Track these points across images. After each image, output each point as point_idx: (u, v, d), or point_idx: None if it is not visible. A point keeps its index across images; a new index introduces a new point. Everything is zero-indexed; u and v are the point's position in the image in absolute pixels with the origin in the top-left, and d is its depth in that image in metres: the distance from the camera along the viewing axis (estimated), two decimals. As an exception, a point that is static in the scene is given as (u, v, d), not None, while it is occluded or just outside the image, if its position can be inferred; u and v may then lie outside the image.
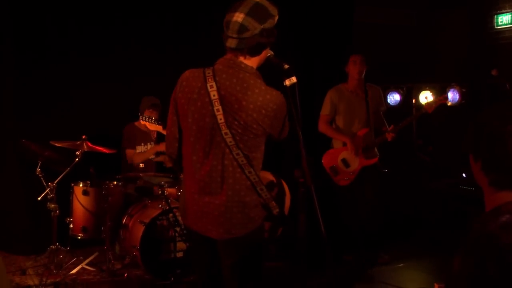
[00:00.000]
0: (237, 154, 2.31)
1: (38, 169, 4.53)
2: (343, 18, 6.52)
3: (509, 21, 7.68)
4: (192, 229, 2.52)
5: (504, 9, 7.74)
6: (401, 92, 6.67)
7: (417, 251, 5.33)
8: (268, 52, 2.45)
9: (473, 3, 8.02)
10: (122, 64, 5.54)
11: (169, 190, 4.66)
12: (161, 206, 4.47)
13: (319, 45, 6.33)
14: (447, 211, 6.38)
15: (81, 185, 4.76)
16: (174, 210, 4.34)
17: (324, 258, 2.49)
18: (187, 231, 2.67)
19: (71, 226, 4.71)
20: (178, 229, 4.33)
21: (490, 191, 1.38)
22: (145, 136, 5.26)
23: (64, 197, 4.76)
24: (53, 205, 4.54)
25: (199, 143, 2.38)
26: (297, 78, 2.42)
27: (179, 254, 4.40)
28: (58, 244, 4.61)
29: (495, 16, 7.84)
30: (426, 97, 6.30)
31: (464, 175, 6.50)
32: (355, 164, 4.88)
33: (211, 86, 2.33)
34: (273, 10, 2.32)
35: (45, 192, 4.54)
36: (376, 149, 4.97)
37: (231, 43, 2.32)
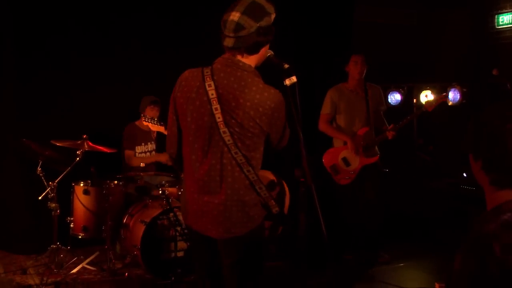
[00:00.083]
0: (236, 153, 2.31)
1: (39, 169, 4.53)
2: (343, 17, 6.52)
3: (510, 21, 7.68)
4: (193, 228, 2.53)
5: (505, 9, 7.74)
6: (402, 91, 6.67)
7: (418, 250, 5.33)
8: (267, 51, 2.45)
9: (474, 3, 8.03)
10: (122, 64, 5.55)
11: (169, 190, 4.66)
12: (162, 206, 4.47)
13: (319, 45, 6.32)
14: (447, 211, 6.38)
15: (81, 185, 4.76)
16: (175, 209, 4.34)
17: (324, 257, 2.49)
18: (188, 230, 2.67)
19: (71, 225, 4.72)
20: (178, 228, 4.33)
21: (490, 191, 1.38)
22: (145, 136, 5.27)
23: (65, 197, 4.76)
24: (53, 205, 4.55)
25: (198, 142, 2.38)
26: (297, 78, 2.41)
27: (180, 254, 4.40)
28: (59, 244, 4.61)
29: (496, 16, 7.85)
30: (426, 95, 6.30)
31: (464, 174, 6.50)
32: (356, 163, 4.88)
33: (209, 85, 2.33)
34: (270, 8, 2.32)
35: (45, 192, 4.54)
36: (376, 148, 4.97)
37: (228, 42, 2.33)
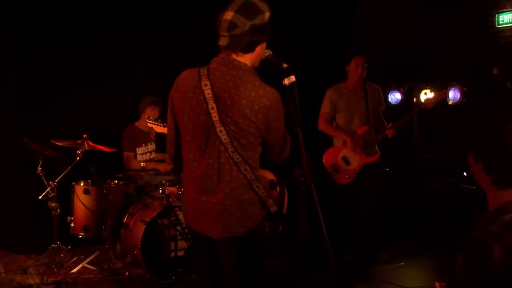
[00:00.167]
0: (232, 152, 2.31)
1: (39, 168, 4.53)
2: (343, 16, 6.52)
3: (510, 20, 7.68)
4: (192, 228, 2.53)
5: (505, 8, 7.74)
6: (402, 91, 6.67)
7: (418, 249, 5.32)
8: (265, 51, 2.45)
9: (474, 2, 8.03)
10: (123, 63, 5.55)
11: (170, 189, 4.67)
12: (162, 205, 4.47)
13: (319, 44, 6.32)
14: (448, 210, 6.38)
15: (82, 184, 4.76)
16: (175, 209, 4.34)
17: (324, 257, 2.49)
18: (188, 230, 2.68)
19: (72, 225, 4.72)
20: (179, 228, 4.33)
21: (492, 191, 1.38)
22: (145, 137, 5.27)
23: (65, 196, 4.77)
24: (54, 204, 4.55)
25: (195, 142, 2.39)
26: (297, 77, 2.41)
27: (180, 253, 4.41)
28: (59, 243, 4.61)
29: (496, 15, 7.84)
30: (425, 93, 6.30)
31: (465, 173, 6.50)
32: (356, 162, 4.88)
33: (205, 85, 2.34)
34: (263, 7, 2.33)
35: (46, 191, 4.54)
36: (376, 147, 4.96)
37: (223, 41, 2.34)
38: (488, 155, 1.35)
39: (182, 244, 4.40)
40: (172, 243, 4.38)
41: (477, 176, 1.41)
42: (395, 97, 6.70)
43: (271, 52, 2.51)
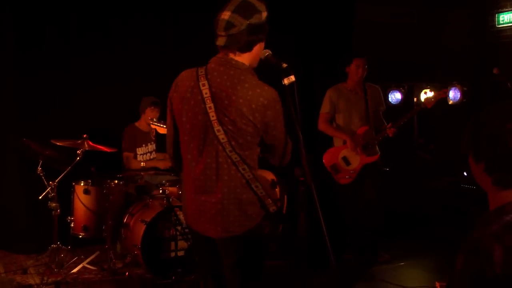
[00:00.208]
0: (230, 151, 2.31)
1: (39, 168, 4.53)
2: (343, 16, 6.51)
3: (510, 20, 7.68)
4: (193, 228, 2.53)
5: (505, 8, 7.74)
6: (402, 90, 6.66)
7: (418, 249, 5.32)
8: (261, 49, 2.45)
9: (474, 2, 8.03)
10: (123, 63, 5.55)
11: (170, 189, 4.67)
12: (162, 205, 4.47)
13: (319, 44, 6.32)
14: (448, 210, 6.38)
15: (82, 184, 4.76)
16: (175, 208, 4.34)
17: (324, 256, 2.49)
18: (189, 230, 2.68)
19: (72, 225, 4.72)
20: (179, 228, 4.33)
21: (493, 191, 1.37)
22: (145, 137, 5.27)
23: (65, 196, 4.76)
24: (54, 204, 4.54)
25: (193, 142, 2.39)
26: (297, 77, 2.41)
27: (180, 253, 4.40)
28: (59, 243, 4.61)
29: (496, 14, 7.85)
30: (425, 92, 6.29)
31: (465, 173, 6.49)
32: (356, 162, 4.88)
33: (203, 85, 2.34)
34: (260, 6, 2.34)
35: (46, 191, 4.54)
36: (377, 147, 4.96)
37: (220, 41, 2.35)
38: (488, 155, 1.35)
39: (182, 244, 4.40)
40: (172, 243, 4.38)
41: (477, 176, 1.41)
42: (395, 97, 6.70)
43: (270, 52, 2.51)
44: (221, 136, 2.30)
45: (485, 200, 1.41)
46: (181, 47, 5.73)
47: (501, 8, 7.79)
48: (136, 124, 5.25)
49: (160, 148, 5.34)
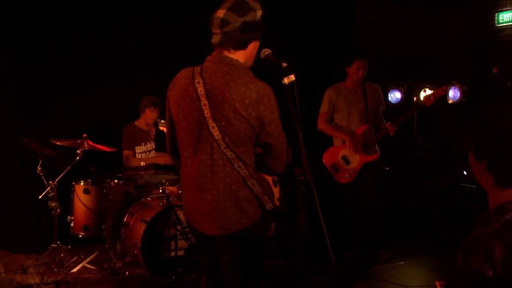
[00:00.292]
0: (225, 148, 2.32)
1: (39, 168, 4.53)
2: (343, 16, 6.51)
3: (510, 19, 7.68)
4: (192, 226, 2.55)
5: (505, 7, 7.74)
6: (402, 90, 6.66)
7: (418, 248, 5.32)
8: (256, 47, 2.46)
9: (474, 1, 8.03)
10: (123, 63, 5.55)
11: (170, 188, 4.67)
12: (162, 205, 4.47)
13: (319, 43, 6.32)
14: (447, 209, 6.38)
15: (82, 184, 4.76)
16: (175, 208, 4.34)
17: (324, 256, 2.49)
18: (189, 228, 2.70)
19: (72, 224, 4.72)
20: (179, 227, 4.33)
21: (494, 190, 1.37)
22: (144, 135, 5.28)
23: (65, 196, 4.77)
24: (54, 204, 4.55)
25: (189, 139, 2.40)
26: (297, 77, 2.41)
27: (180, 253, 4.40)
28: (59, 243, 4.61)
29: (496, 14, 7.85)
30: (425, 90, 6.29)
31: (465, 172, 6.50)
32: (356, 161, 4.88)
33: (198, 82, 2.36)
34: (255, 5, 2.36)
35: (46, 191, 4.54)
36: (376, 145, 4.97)
37: (215, 38, 2.37)
38: (492, 155, 1.34)
39: (182, 243, 4.40)
40: (172, 243, 4.38)
41: (478, 175, 1.41)
42: (395, 96, 6.70)
43: (270, 51, 2.51)
44: (216, 133, 2.31)
45: (485, 199, 1.41)
46: (182, 47, 5.73)
47: (501, 7, 7.79)
48: (136, 123, 5.25)
49: (160, 148, 5.34)
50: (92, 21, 5.44)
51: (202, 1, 5.57)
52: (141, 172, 4.95)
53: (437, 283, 3.09)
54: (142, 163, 4.99)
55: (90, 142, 4.60)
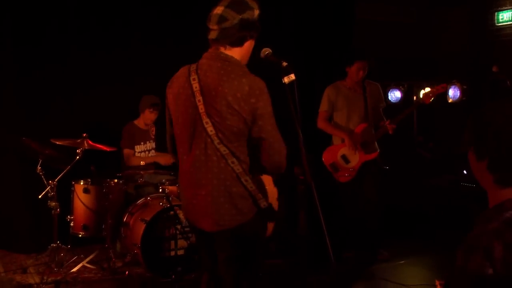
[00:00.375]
0: (219, 143, 2.32)
1: (39, 167, 4.53)
2: (343, 15, 6.51)
3: (510, 18, 7.67)
4: (190, 222, 2.58)
5: (505, 6, 7.74)
6: (402, 89, 6.66)
7: (418, 247, 5.32)
8: (252, 46, 2.47)
9: (474, 0, 8.02)
10: (122, 62, 5.54)
11: (170, 188, 4.67)
12: (162, 204, 4.47)
13: (319, 43, 6.32)
14: (447, 208, 6.38)
15: (81, 183, 4.76)
16: (175, 207, 4.34)
17: (324, 255, 2.49)
18: (188, 224, 2.72)
19: (72, 224, 4.72)
20: (179, 226, 4.33)
21: (494, 189, 1.37)
22: (144, 135, 5.27)
23: (65, 195, 4.76)
24: (53, 203, 4.54)
25: (184, 135, 2.42)
26: (297, 76, 2.41)
27: (180, 252, 4.40)
28: (59, 242, 4.61)
29: (495, 13, 7.84)
30: (424, 89, 6.28)
31: (464, 171, 6.49)
32: (355, 160, 4.87)
33: (194, 79, 2.38)
34: (253, 4, 2.38)
35: (45, 190, 4.54)
36: (376, 144, 4.96)
37: (212, 34, 2.39)
38: (493, 154, 1.34)
39: (182, 243, 4.39)
40: (172, 242, 4.38)
41: (478, 174, 1.41)
42: (395, 95, 6.70)
43: (270, 51, 2.52)
44: (209, 128, 2.32)
45: (485, 198, 1.41)
46: (182, 46, 5.72)
47: (501, 7, 7.79)
48: (135, 122, 5.25)
49: (159, 147, 5.34)
50: (92, 21, 5.43)
51: (202, 1, 5.59)
52: (141, 172, 4.95)
53: (437, 282, 3.08)
54: (142, 162, 4.99)
55: (90, 142, 4.60)
